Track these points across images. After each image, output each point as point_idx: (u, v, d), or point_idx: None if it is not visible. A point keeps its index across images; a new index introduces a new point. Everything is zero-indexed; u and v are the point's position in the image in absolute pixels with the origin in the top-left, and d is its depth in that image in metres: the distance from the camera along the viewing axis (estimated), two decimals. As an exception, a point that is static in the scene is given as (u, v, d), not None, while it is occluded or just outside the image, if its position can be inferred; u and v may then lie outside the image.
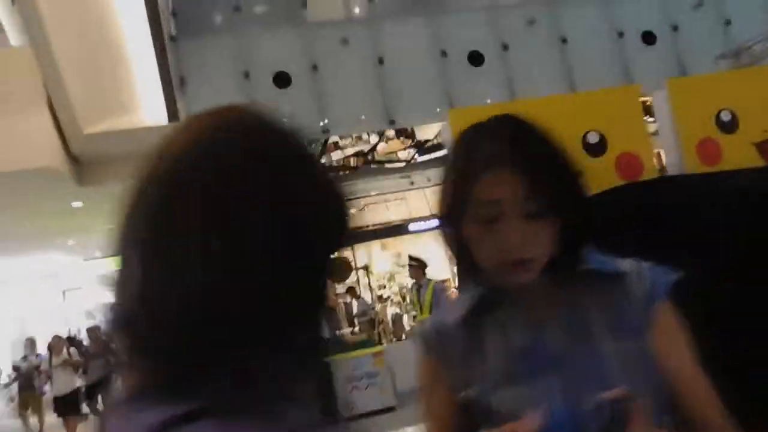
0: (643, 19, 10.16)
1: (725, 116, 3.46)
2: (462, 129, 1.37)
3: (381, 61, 9.35)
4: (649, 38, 10.07)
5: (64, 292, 22.19)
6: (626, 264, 1.26)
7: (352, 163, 13.07)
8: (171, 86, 8.89)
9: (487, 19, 9.73)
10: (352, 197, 15.50)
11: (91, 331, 11.05)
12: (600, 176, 3.05)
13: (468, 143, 1.25)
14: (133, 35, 8.37)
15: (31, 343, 12.41)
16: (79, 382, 10.55)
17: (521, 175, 1.12)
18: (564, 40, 9.82)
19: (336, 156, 12.75)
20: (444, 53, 9.51)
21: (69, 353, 10.41)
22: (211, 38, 9.36)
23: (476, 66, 9.48)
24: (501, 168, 1.13)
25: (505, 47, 9.60)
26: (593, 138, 3.29)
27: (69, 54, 7.81)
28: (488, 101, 9.11)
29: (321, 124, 9.29)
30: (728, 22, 10.22)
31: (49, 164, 8.76)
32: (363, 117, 9.71)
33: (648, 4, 10.25)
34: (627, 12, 10.11)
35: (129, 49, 8.53)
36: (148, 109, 9.07)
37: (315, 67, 9.22)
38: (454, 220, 1.22)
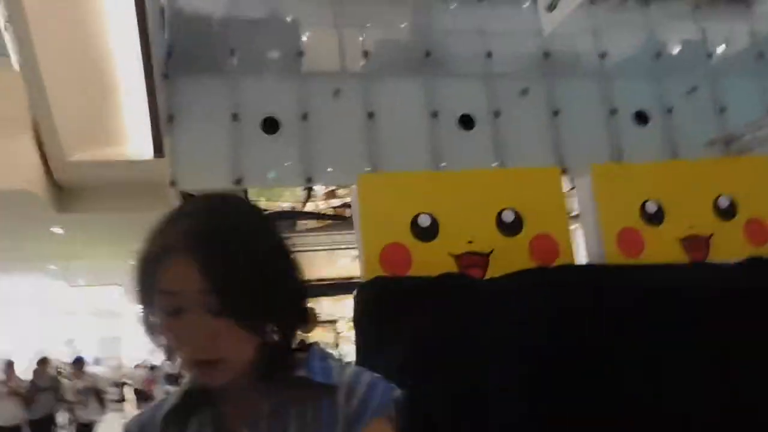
0: (637, 99, 10.19)
1: (651, 207, 3.38)
2: (370, 195, 1.33)
3: (371, 115, 9.35)
4: (641, 118, 10.07)
5: (44, 317, 21.93)
6: (344, 376, 1.14)
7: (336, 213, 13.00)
8: (158, 122, 8.87)
9: (480, 86, 9.78)
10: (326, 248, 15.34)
11: (41, 362, 10.67)
12: (513, 257, 2.97)
13: (159, 225, 1.14)
14: (124, 67, 8.39)
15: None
16: (23, 415, 10.10)
17: (200, 267, 1.00)
18: (556, 113, 9.83)
19: (322, 205, 12.68)
20: (435, 114, 9.52)
21: (14, 380, 10.01)
22: (204, 78, 9.39)
23: (466, 130, 9.47)
24: (181, 257, 1.01)
25: (497, 114, 9.60)
26: (508, 216, 3.19)
27: (58, 80, 7.83)
28: (474, 166, 9.06)
29: (305, 172, 9.23)
30: (723, 109, 10.24)
31: (28, 188, 8.73)
32: (349, 168, 9.66)
33: (643, 84, 10.30)
34: (621, 90, 10.16)
35: (119, 81, 8.55)
36: (133, 142, 9.04)
37: (305, 116, 9.22)
38: (147, 309, 1.11)
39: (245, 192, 8.76)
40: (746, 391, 2.60)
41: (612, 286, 2.63)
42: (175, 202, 9.55)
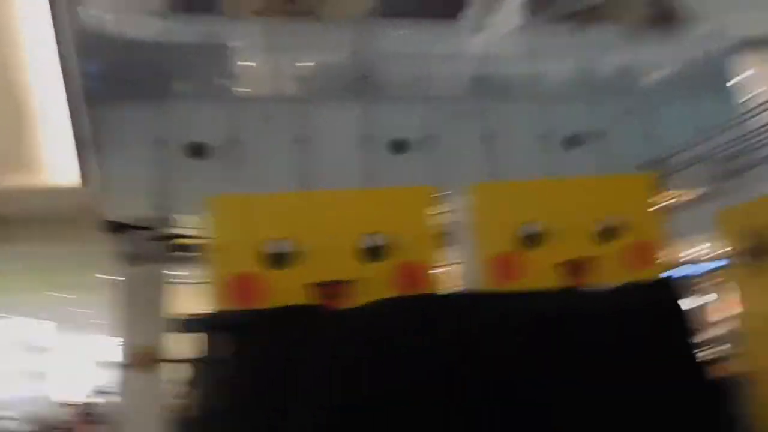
0: (571, 122, 10.30)
1: (530, 229, 3.27)
2: (222, 220, 1.19)
3: (303, 139, 9.26)
4: (575, 141, 10.17)
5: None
6: None
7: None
8: (85, 148, 8.64)
9: (415, 109, 9.77)
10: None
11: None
12: (377, 284, 2.85)
13: None
14: (46, 93, 8.15)
15: None
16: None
17: None
18: (491, 136, 9.86)
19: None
20: (368, 138, 9.46)
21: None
22: (131, 103, 9.21)
23: (399, 153, 9.43)
24: None
25: (431, 138, 9.59)
26: (371, 242, 3.07)
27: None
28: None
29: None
30: (654, 133, 10.40)
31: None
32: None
33: (577, 107, 10.41)
34: (555, 113, 10.25)
35: (40, 107, 8.30)
36: (57, 170, 8.77)
37: (235, 141, 9.08)
38: None
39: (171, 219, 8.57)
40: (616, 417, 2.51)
41: (469, 316, 2.51)
42: (97, 232, 9.28)
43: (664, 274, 3.44)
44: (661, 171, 9.32)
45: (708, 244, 9.56)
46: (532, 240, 3.32)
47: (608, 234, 3.49)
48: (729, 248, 7.21)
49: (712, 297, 11.97)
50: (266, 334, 2.22)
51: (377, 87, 10.12)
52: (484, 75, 10.31)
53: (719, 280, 9.76)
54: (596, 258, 3.37)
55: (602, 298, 3.09)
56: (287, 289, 2.86)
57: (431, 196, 3.49)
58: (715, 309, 10.99)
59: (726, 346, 8.81)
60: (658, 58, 11.84)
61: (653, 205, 4.01)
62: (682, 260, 10.70)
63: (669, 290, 2.64)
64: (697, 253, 10.41)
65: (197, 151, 8.98)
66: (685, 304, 2.75)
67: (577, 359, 2.61)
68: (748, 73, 12.56)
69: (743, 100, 11.56)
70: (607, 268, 3.35)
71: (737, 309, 7.39)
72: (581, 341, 2.65)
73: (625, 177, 4.70)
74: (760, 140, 7.78)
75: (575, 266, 3.29)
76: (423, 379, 2.11)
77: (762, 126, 7.78)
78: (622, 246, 3.51)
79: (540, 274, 3.20)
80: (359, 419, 1.87)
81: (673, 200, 10.56)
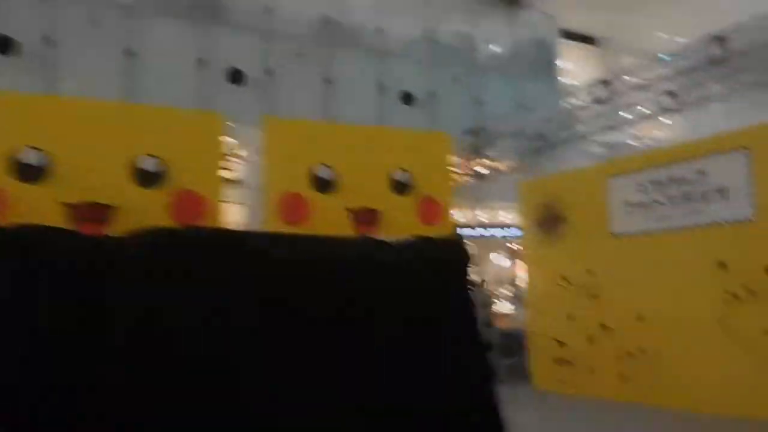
0: (409, 80, 10.62)
1: (323, 171, 3.28)
2: None
3: (131, 53, 8.63)
4: (410, 98, 10.52)
5: None
6: None
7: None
8: None
9: (256, 42, 9.47)
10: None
11: None
12: (149, 212, 2.71)
13: None
14: None
15: None
16: None
17: None
18: (329, 81, 9.87)
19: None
20: (204, 63, 9.05)
21: None
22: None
23: (235, 83, 9.15)
24: None
25: (269, 72, 9.40)
26: (149, 165, 2.95)
27: None
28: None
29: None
30: (480, 101, 11.03)
31: None
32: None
33: (416, 67, 10.74)
34: (394, 68, 10.49)
35: None
36: None
37: (50, 41, 8.22)
38: None
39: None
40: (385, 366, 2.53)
41: (263, 257, 2.47)
42: None
43: (456, 233, 3.66)
44: (482, 139, 10.00)
45: (511, 213, 10.48)
46: (324, 183, 3.24)
47: (401, 187, 3.52)
48: (525, 218, 8.00)
49: (509, 261, 13.21)
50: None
51: (219, 11, 9.66)
52: (330, 20, 10.23)
53: (516, 246, 10.78)
54: (389, 209, 3.44)
55: (394, 249, 3.19)
56: (38, 207, 2.59)
57: (221, 124, 3.30)
58: (511, 271, 12.16)
59: (516, 305, 9.81)
60: (495, 34, 12.52)
61: (448, 165, 4.02)
62: (486, 224, 11.67)
63: (455, 248, 2.81)
64: (501, 219, 11.37)
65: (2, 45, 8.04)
66: (472, 263, 2.97)
67: (367, 307, 2.67)
68: (569, 62, 13.74)
69: (561, 85, 12.65)
70: (398, 220, 3.45)
71: (527, 273, 8.27)
72: (371, 289, 2.72)
73: (423, 133, 4.69)
74: (569, 123, 8.60)
75: (367, 215, 3.33)
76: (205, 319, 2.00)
77: (574, 110, 8.59)
78: (413, 200, 3.55)
79: (330, 219, 3.14)
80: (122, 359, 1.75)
81: (488, 169, 11.40)
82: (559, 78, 12.96)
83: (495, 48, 12.49)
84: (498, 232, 11.38)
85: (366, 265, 2.84)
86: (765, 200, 5.22)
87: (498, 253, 12.94)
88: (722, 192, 5.56)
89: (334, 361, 2.39)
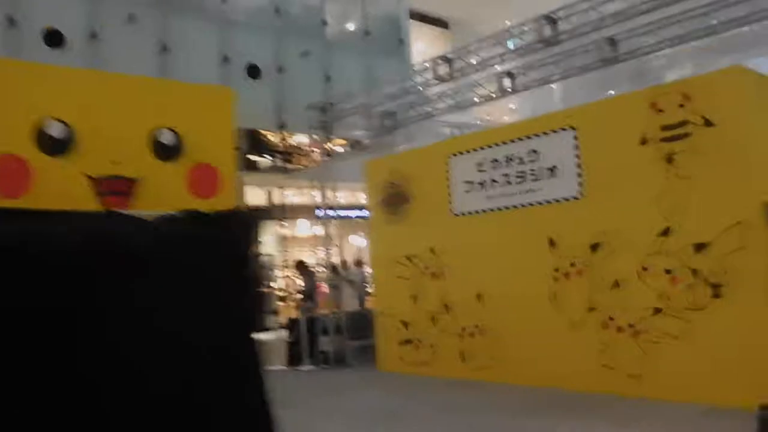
0: (256, 51, 10.10)
1: (55, 129, 2.57)
2: None
3: None
4: (256, 70, 10.00)
5: None
6: None
7: None
8: None
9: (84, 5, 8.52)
10: None
11: None
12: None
13: None
14: None
15: None
16: None
17: None
18: (165, 48, 9.10)
19: None
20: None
21: None
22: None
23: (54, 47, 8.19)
24: None
25: (94, 35, 8.50)
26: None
27: None
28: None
29: None
30: (328, 78, 10.73)
31: None
32: None
33: (260, 38, 10.23)
34: (240, 39, 9.91)
35: None
36: None
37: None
38: None
39: None
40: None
41: None
42: None
43: (240, 206, 3.22)
44: (329, 115, 9.69)
45: (358, 192, 10.31)
46: (54, 143, 2.60)
47: (167, 150, 2.91)
48: (370, 197, 7.83)
49: (355, 240, 13.12)
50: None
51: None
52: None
53: (361, 225, 10.66)
54: (149, 177, 2.84)
55: (148, 228, 2.74)
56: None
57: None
58: (355, 251, 12.04)
59: (363, 285, 9.65)
60: (345, 11, 12.23)
61: (229, 126, 3.23)
62: (345, 206, 11.43)
63: (233, 225, 2.45)
64: (347, 198, 11.19)
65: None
66: (257, 240, 2.56)
67: (133, 289, 2.25)
68: (421, 43, 13.80)
69: (410, 64, 12.65)
70: (161, 191, 2.81)
71: (371, 252, 8.13)
72: (111, 284, 2.29)
73: (197, 86, 3.78)
74: (418, 101, 8.50)
75: (116, 184, 2.69)
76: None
77: (422, 88, 8.49)
78: (182, 166, 3.00)
79: (62, 189, 2.53)
80: None
81: (342, 148, 11.17)
82: (409, 58, 12.94)
83: (346, 24, 12.21)
84: (357, 214, 11.20)
85: (103, 249, 2.32)
86: (591, 178, 5.37)
87: (358, 235, 12.80)
88: (552, 171, 5.66)
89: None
